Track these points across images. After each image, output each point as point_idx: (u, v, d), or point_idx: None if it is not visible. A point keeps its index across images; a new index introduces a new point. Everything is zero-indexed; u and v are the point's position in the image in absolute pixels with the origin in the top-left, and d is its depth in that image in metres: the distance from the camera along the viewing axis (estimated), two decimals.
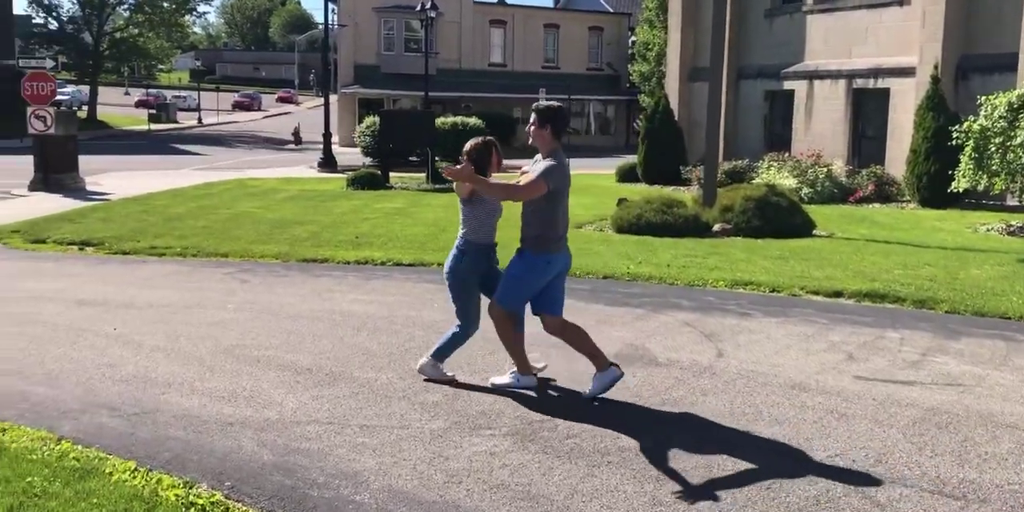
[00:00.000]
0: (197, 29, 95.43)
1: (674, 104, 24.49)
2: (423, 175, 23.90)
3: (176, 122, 60.25)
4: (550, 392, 5.63)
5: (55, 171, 19.91)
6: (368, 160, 29.47)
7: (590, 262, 10.39)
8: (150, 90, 75.20)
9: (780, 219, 13.32)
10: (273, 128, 60.27)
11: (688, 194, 16.91)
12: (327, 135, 29.53)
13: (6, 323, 7.38)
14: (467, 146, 5.58)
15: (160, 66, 66.23)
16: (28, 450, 4.47)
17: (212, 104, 68.02)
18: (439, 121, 26.81)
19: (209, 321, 7.53)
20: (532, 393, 5.55)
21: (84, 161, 22.10)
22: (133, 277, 9.76)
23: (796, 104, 21.89)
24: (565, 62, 50.18)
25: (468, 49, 47.81)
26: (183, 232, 13.03)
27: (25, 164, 22.35)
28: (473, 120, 29.55)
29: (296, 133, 45.47)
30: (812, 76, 21.48)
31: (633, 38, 50.10)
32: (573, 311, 7.61)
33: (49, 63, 20.16)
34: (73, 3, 56.08)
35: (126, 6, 56.28)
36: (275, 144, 45.80)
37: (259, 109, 79.01)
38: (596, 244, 12.05)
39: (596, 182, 24.10)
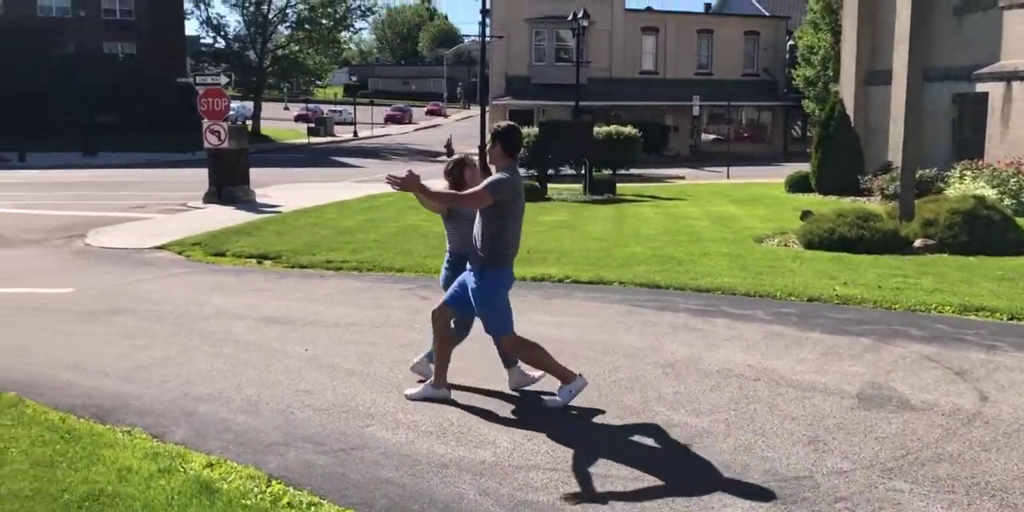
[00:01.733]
0: (351, 45, 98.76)
1: (849, 109, 23.03)
2: (579, 186, 23.42)
3: (333, 135, 62.20)
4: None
5: (228, 184, 20.52)
6: (523, 171, 29.25)
7: (788, 282, 9.56)
8: (308, 105, 78.17)
9: (991, 235, 12.05)
10: (424, 140, 61.36)
11: (879, 206, 15.67)
12: (483, 147, 29.47)
13: (202, 342, 7.29)
14: (447, 166, 5.93)
15: (318, 81, 68.63)
16: (241, 492, 4.15)
17: (366, 117, 69.98)
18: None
19: (399, 342, 7.21)
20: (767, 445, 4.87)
21: (252, 174, 22.76)
22: (314, 293, 9.63)
23: (990, 108, 20.10)
24: (719, 68, 48.72)
25: (619, 57, 47.13)
26: (356, 246, 12.96)
27: (196, 177, 23.27)
28: (628, 129, 28.82)
29: (448, 145, 45.92)
30: (1010, 77, 19.67)
31: (791, 42, 48.17)
32: (787, 340, 6.88)
33: (224, 79, 20.86)
34: (239, 22, 58.99)
35: (288, 24, 58.67)
36: (427, 156, 46.45)
37: (410, 122, 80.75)
38: (787, 261, 11.17)
39: (764, 192, 22.97)
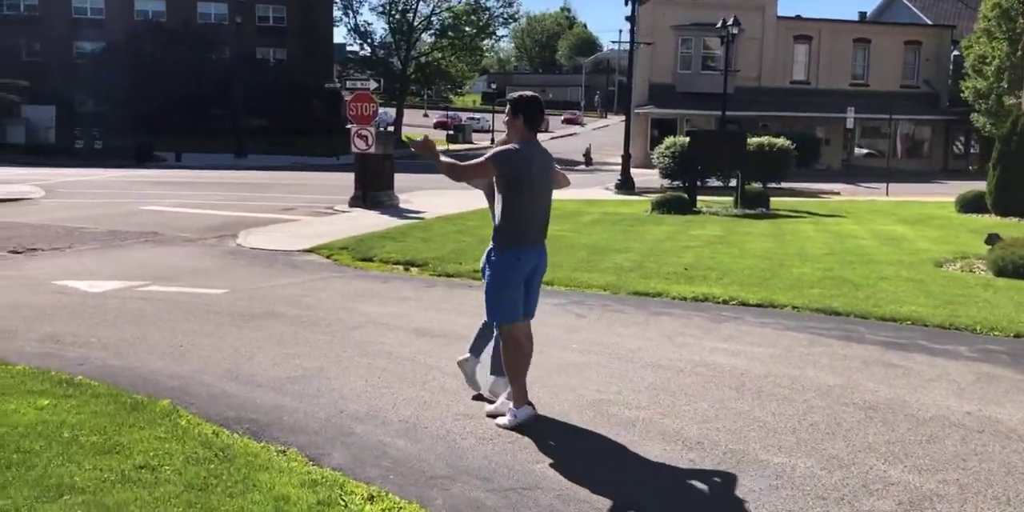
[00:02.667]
0: (492, 53, 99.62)
1: None
2: (728, 199, 22.44)
3: (471, 143, 62.73)
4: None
5: (373, 188, 20.60)
6: (666, 182, 28.39)
7: (987, 314, 8.53)
8: (448, 112, 79.31)
9: None
10: (560, 149, 61.03)
11: None
12: (626, 157, 28.84)
13: (354, 352, 6.97)
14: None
15: (459, 89, 69.55)
16: None
17: (503, 126, 70.24)
18: None
19: (558, 364, 6.68)
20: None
21: (396, 179, 22.84)
22: (463, 305, 9.22)
23: None
24: (875, 79, 46.39)
25: (769, 66, 45.54)
26: None
27: (341, 180, 23.56)
28: (781, 141, 27.55)
29: (587, 154, 45.48)
30: None
31: (956, 52, 45.36)
32: (1005, 383, 5.96)
33: (373, 84, 21.02)
34: (385, 30, 60.32)
35: (432, 31, 59.57)
36: (565, 165, 46.06)
37: (546, 130, 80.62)
38: (978, 290, 10.07)
39: (932, 211, 21.41)
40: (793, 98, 44.89)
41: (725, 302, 9.43)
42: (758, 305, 9.28)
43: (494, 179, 5.13)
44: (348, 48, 66.19)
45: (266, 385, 6.09)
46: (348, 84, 21.32)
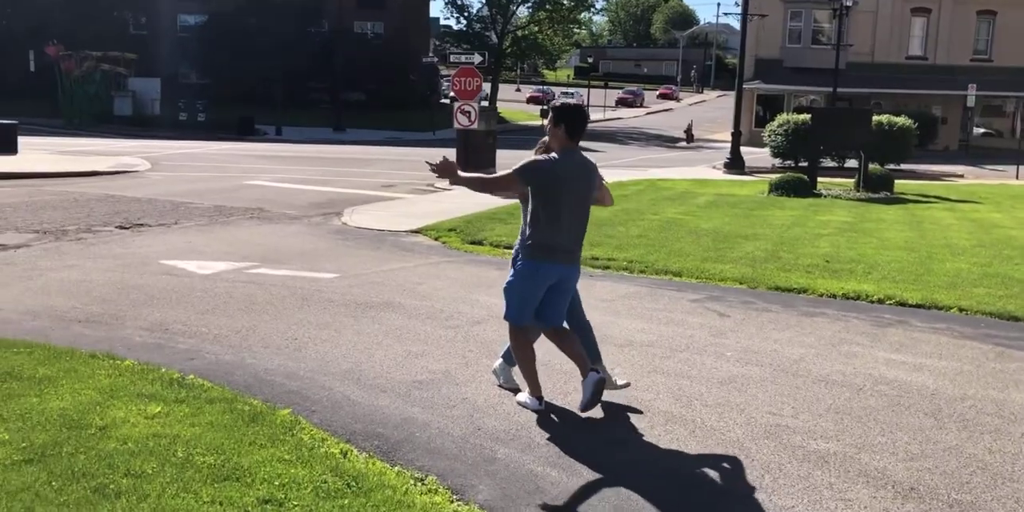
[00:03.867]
0: (586, 27, 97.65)
1: None
2: (847, 181, 21.09)
3: None
4: None
5: (475, 165, 19.90)
6: (777, 161, 27.04)
7: None
8: (543, 87, 78.21)
9: None
10: (656, 125, 59.64)
11: None
12: (736, 134, 27.54)
13: (481, 352, 6.30)
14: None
15: (555, 62, 68.46)
16: None
17: (597, 100, 69.00)
18: None
19: (716, 377, 5.90)
20: None
21: (497, 156, 22.18)
22: (590, 297, 8.40)
23: None
24: (1000, 54, 43.51)
25: (883, 41, 43.15)
26: (619, 241, 11.77)
27: (437, 156, 22.99)
28: (901, 119, 25.82)
29: (688, 130, 44.05)
30: None
31: None
32: None
33: (478, 58, 20.33)
34: (481, 3, 59.52)
35: (529, 4, 58.52)
36: (665, 141, 44.78)
37: (641, 106, 78.92)
38: None
39: None
40: (908, 75, 42.42)
41: (880, 301, 8.47)
42: (918, 306, 8.30)
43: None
44: (442, 22, 65.67)
45: (391, 390, 5.49)
46: (453, 58, 20.61)
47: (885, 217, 15.47)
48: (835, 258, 10.71)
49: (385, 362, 6.10)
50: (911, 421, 5.05)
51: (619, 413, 5.16)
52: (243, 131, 37.13)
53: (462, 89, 20.18)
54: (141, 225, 12.58)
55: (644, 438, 4.78)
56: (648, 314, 7.80)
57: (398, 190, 18.70)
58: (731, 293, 8.84)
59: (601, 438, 4.78)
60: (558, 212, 4.92)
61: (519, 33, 58.97)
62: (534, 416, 5.07)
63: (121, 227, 12.35)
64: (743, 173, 26.03)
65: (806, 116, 25.75)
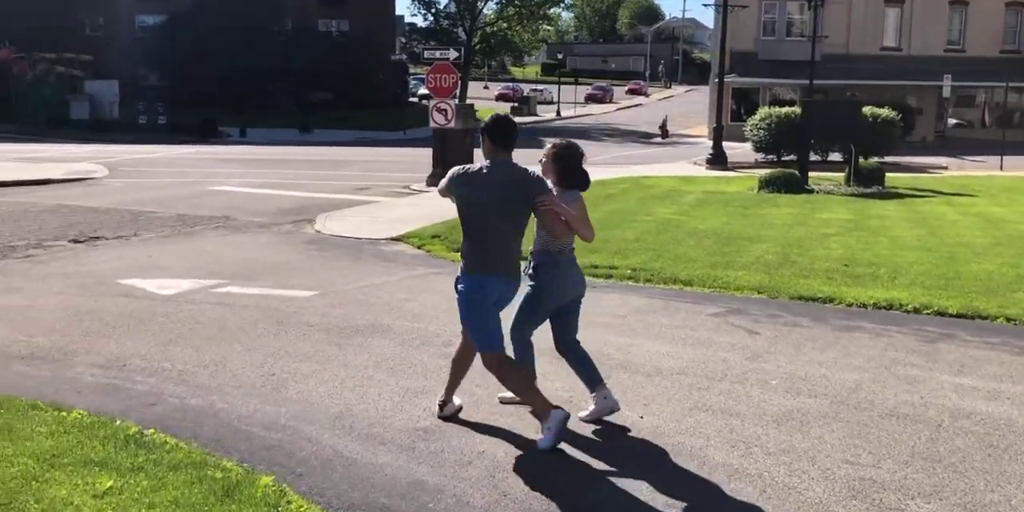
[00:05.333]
0: (555, 23, 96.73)
1: None
2: (835, 175, 20.45)
3: (536, 115, 60.78)
4: None
5: (452, 165, 19.08)
6: (760, 156, 26.38)
7: None
8: (512, 84, 77.31)
9: None
10: (628, 120, 58.94)
11: None
12: (718, 129, 26.81)
13: (494, 388, 5.42)
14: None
15: (525, 59, 67.61)
16: None
17: (566, 97, 68.22)
18: None
19: (769, 413, 5.07)
20: None
21: (475, 155, 21.30)
22: (599, 312, 7.61)
23: None
24: (972, 44, 43.26)
25: (858, 32, 42.72)
26: (617, 245, 10.93)
27: (412, 156, 22.12)
28: (885, 111, 25.27)
29: (663, 126, 43.39)
30: None
31: None
32: None
33: (453, 54, 19.39)
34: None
35: (497, 1, 57.59)
36: (640, 137, 44.09)
37: (611, 101, 78.22)
38: None
39: None
40: (883, 65, 42.01)
41: (917, 311, 7.73)
42: (959, 316, 7.56)
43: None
44: (407, 20, 64.54)
45: (390, 442, 4.62)
46: (427, 54, 19.67)
47: (886, 214, 14.81)
48: (852, 261, 9.97)
49: (380, 403, 5.23)
50: (1018, 470, 4.26)
51: (672, 469, 4.31)
52: (206, 134, 35.85)
53: (437, 86, 19.25)
54: (97, 238, 11.56)
55: (703, 496, 3.94)
56: (669, 333, 6.98)
57: (373, 193, 17.76)
58: (751, 304, 8.05)
59: (657, 503, 3.93)
60: (481, 224, 4.71)
61: (488, 29, 58.02)
62: (570, 476, 4.23)
63: (75, 241, 11.33)
64: (726, 169, 25.35)
65: (789, 109, 25.20)
